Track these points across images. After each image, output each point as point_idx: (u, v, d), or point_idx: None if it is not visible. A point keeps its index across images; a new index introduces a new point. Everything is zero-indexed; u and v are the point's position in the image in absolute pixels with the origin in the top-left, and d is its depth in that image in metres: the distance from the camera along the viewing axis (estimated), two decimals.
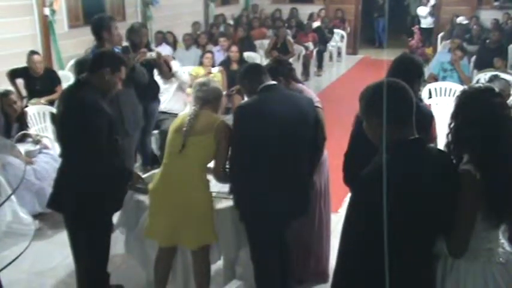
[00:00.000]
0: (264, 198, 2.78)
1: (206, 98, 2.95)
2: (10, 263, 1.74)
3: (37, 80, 5.79)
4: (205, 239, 2.95)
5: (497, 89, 2.10)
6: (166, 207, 2.91)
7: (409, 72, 2.67)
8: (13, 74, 5.81)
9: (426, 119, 2.64)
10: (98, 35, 4.33)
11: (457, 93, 2.20)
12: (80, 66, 4.21)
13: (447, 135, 2.14)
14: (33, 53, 5.89)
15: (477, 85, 2.25)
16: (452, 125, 2.11)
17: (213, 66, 7.01)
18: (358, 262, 2.00)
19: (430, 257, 2.06)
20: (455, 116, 2.11)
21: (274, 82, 2.90)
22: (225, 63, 7.27)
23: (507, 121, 2.03)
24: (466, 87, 2.24)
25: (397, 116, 1.95)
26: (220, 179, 2.98)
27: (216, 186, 3.15)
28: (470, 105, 2.06)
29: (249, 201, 2.84)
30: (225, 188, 3.13)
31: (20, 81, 5.85)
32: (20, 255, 1.82)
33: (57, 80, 5.97)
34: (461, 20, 10.90)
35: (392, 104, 1.93)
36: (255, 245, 2.94)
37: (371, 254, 1.82)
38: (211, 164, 3.00)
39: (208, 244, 3.01)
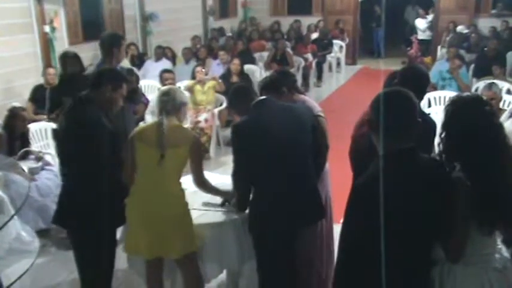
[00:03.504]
0: (271, 209, 2.78)
1: (171, 107, 2.95)
2: (15, 281, 1.74)
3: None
4: (188, 246, 2.93)
5: (485, 97, 2.13)
6: (145, 220, 2.90)
7: (417, 83, 2.68)
8: (31, 99, 6.07)
9: (431, 128, 2.65)
10: (107, 52, 4.30)
11: (446, 103, 2.23)
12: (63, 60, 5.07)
13: (438, 144, 2.17)
14: (48, 65, 6.45)
15: (465, 94, 2.29)
16: (443, 135, 2.14)
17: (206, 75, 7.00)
18: (353, 271, 2.01)
19: (426, 264, 2.07)
20: (445, 126, 2.14)
21: (264, 97, 2.93)
22: (225, 76, 7.30)
23: (496, 129, 2.05)
24: (454, 96, 2.26)
25: (395, 127, 1.97)
26: (204, 187, 3.06)
27: (206, 198, 3.18)
28: (459, 115, 2.09)
29: (258, 213, 2.84)
30: (217, 199, 3.17)
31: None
32: (25, 272, 1.82)
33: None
34: (461, 29, 10.96)
35: (391, 114, 1.95)
36: (262, 255, 2.91)
37: (365, 262, 1.83)
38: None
39: (193, 252, 2.97)
